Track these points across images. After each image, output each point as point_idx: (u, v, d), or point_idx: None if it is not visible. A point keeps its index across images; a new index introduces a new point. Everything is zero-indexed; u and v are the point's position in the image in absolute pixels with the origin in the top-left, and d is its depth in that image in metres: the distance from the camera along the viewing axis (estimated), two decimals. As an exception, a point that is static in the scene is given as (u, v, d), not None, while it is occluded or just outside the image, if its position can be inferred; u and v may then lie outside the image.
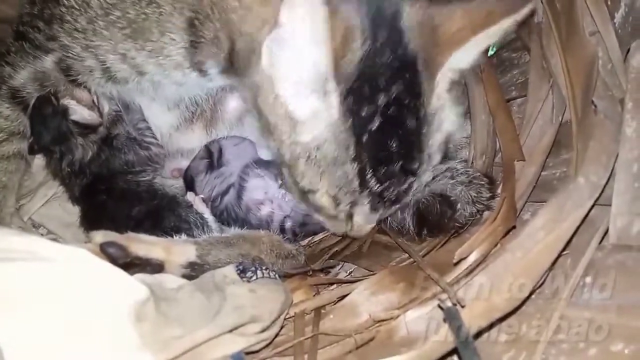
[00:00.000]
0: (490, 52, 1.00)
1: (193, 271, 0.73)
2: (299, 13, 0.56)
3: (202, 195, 0.90)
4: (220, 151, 0.92)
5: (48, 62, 0.81)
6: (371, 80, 0.62)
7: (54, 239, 0.88)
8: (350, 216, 0.72)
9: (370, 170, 0.65)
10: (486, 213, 0.72)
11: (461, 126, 0.72)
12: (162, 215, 0.84)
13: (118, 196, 0.86)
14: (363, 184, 0.66)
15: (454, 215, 0.75)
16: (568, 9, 0.75)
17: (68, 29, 0.76)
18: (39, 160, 0.94)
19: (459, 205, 0.75)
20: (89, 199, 0.88)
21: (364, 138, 0.63)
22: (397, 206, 0.71)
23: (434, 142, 0.67)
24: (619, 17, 0.70)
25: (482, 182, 0.77)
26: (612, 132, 0.60)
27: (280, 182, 0.88)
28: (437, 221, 0.76)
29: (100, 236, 0.71)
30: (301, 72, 0.61)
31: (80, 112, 0.83)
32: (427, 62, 0.63)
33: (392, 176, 0.66)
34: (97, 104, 0.84)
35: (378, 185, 0.66)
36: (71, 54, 0.77)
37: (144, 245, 0.72)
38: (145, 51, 0.73)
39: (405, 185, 0.68)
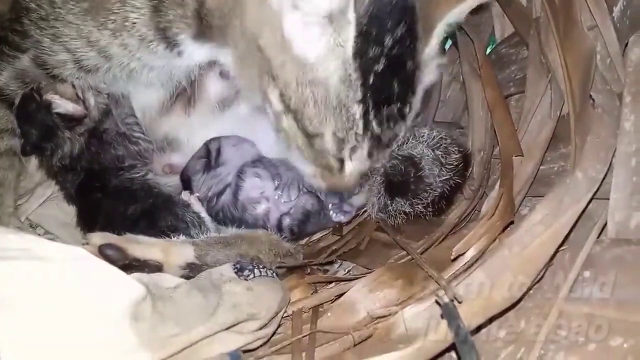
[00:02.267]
0: (489, 50, 1.00)
1: (192, 272, 0.73)
2: None
3: (197, 194, 0.89)
4: (219, 150, 0.91)
5: (25, 60, 0.82)
6: (379, 21, 0.63)
7: (52, 239, 0.88)
8: (342, 161, 0.73)
9: (373, 113, 0.67)
10: (483, 208, 0.71)
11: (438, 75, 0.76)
12: (158, 214, 0.84)
13: (113, 194, 0.86)
14: (366, 126, 0.67)
15: (418, 173, 0.75)
16: (566, 4, 0.74)
17: (35, 19, 0.77)
18: (35, 160, 0.93)
19: (423, 163, 0.75)
20: (83, 197, 0.88)
21: (371, 79, 0.65)
22: (388, 151, 0.74)
23: (421, 88, 0.70)
24: (617, 11, 0.70)
25: (448, 141, 0.77)
26: (610, 126, 0.60)
27: (277, 182, 0.88)
28: (404, 182, 0.75)
29: (98, 238, 0.71)
30: (315, 7, 0.61)
31: (64, 106, 0.83)
32: (425, 14, 0.66)
33: (390, 119, 0.68)
34: (81, 97, 0.84)
35: (379, 128, 0.68)
36: (43, 48, 0.78)
37: (141, 246, 0.72)
38: (107, 30, 0.72)
39: (397, 130, 0.70)
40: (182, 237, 0.79)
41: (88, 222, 0.86)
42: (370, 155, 0.72)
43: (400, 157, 0.76)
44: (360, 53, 0.63)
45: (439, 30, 0.69)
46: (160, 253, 0.73)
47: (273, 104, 0.70)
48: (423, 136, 0.77)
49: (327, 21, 0.61)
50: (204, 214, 0.88)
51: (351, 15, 0.61)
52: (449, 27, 0.71)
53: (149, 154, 0.91)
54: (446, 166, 0.75)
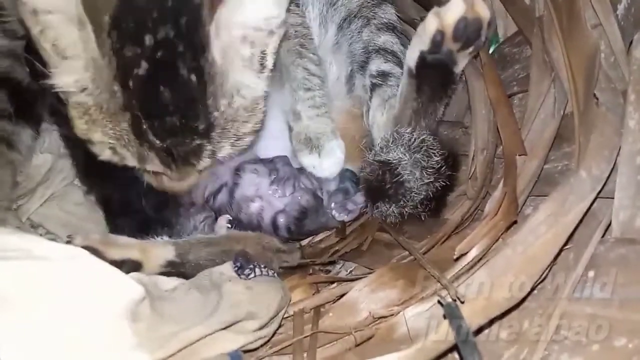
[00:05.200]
0: (491, 49, 0.99)
1: (174, 269, 0.73)
2: None
3: (229, 217, 0.87)
4: None
5: None
6: (137, 15, 0.55)
7: (53, 239, 0.87)
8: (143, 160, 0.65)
9: (146, 123, 0.59)
10: (486, 208, 0.70)
11: (255, 92, 0.65)
12: (164, 201, 0.83)
13: None
14: (141, 136, 0.60)
15: (395, 179, 0.73)
16: (570, 2, 0.74)
17: None
18: (37, 161, 0.93)
19: (399, 169, 0.73)
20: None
21: (130, 83, 0.57)
22: (193, 168, 0.67)
23: (226, 105, 0.63)
24: (621, 9, 0.69)
25: (429, 143, 0.75)
26: (615, 124, 0.59)
27: (273, 177, 0.87)
28: (382, 188, 0.74)
29: (79, 239, 0.71)
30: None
31: None
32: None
33: (173, 133, 0.61)
34: None
35: (158, 141, 0.61)
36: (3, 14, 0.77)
37: (119, 249, 0.72)
38: None
39: (193, 146, 0.63)
40: (165, 238, 0.79)
41: (87, 173, 0.86)
42: (166, 165, 0.65)
43: (376, 163, 0.75)
44: (116, 50, 0.55)
45: (231, 43, 0.59)
46: (138, 253, 0.73)
47: None
48: (403, 138, 0.76)
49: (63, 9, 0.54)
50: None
51: (81, 14, 0.53)
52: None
53: None
54: (428, 169, 0.74)
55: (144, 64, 0.56)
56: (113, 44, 0.55)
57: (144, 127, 0.59)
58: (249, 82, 0.63)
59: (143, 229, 0.81)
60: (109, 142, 0.62)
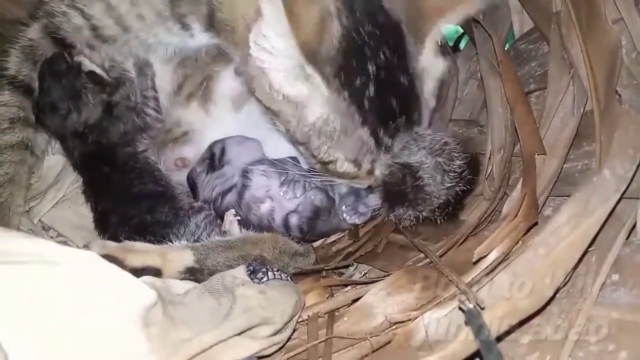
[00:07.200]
0: (507, 45, 0.97)
1: (192, 276, 0.72)
2: (267, 9, 0.60)
3: (237, 217, 0.86)
4: (223, 150, 0.90)
5: (35, 29, 0.83)
6: (357, 52, 0.65)
7: (64, 242, 0.88)
8: (372, 171, 0.75)
9: (382, 130, 0.69)
10: (504, 209, 0.69)
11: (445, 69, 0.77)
12: (160, 204, 0.84)
13: (121, 169, 0.86)
14: (378, 142, 0.70)
15: (416, 183, 0.72)
16: (589, -3, 0.72)
17: None
18: (49, 162, 0.93)
19: (420, 172, 0.72)
20: (90, 170, 0.88)
21: (365, 104, 0.67)
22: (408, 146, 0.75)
23: (427, 89, 0.73)
24: (642, 3, 0.68)
25: (451, 146, 0.74)
26: (639, 122, 0.57)
27: (283, 178, 0.86)
28: (402, 191, 0.73)
29: (97, 248, 0.71)
30: (281, 62, 0.64)
31: (94, 68, 0.86)
32: (413, 28, 0.69)
33: (399, 129, 0.70)
34: (105, 66, 0.88)
35: (390, 139, 0.70)
36: (56, 14, 0.80)
37: (139, 255, 0.72)
38: None
39: (409, 135, 0.73)
40: (183, 242, 0.78)
41: (96, 193, 0.87)
42: (387, 151, 0.73)
43: (397, 166, 0.73)
44: (345, 85, 0.65)
45: (432, 38, 0.70)
46: (158, 259, 0.72)
47: (283, 134, 0.75)
48: (425, 141, 0.74)
49: (297, 75, 0.65)
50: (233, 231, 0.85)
51: (309, 70, 0.63)
52: (439, 35, 0.72)
53: (153, 131, 0.90)
54: (449, 173, 0.73)
55: (372, 86, 0.67)
56: (342, 82, 0.65)
57: (381, 134, 0.69)
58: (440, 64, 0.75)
59: (140, 232, 0.81)
60: (350, 157, 0.71)
